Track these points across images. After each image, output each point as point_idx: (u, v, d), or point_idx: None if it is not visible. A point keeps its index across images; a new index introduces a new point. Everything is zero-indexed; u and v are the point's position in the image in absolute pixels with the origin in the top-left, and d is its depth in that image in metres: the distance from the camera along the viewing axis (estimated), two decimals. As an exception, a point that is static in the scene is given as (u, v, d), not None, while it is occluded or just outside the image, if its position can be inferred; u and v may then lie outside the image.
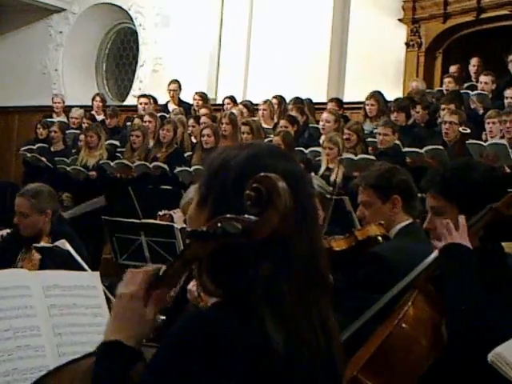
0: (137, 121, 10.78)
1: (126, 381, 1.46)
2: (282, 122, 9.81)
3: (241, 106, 11.24)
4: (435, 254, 2.65)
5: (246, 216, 1.41)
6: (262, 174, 1.42)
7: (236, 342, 1.40)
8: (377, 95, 9.93)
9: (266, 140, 9.60)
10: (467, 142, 7.90)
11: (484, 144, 7.82)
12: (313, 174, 7.98)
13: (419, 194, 3.53)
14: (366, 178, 3.65)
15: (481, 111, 9.29)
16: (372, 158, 8.05)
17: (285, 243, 1.45)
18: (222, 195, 1.51)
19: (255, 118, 10.50)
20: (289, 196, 1.41)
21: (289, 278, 1.45)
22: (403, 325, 2.54)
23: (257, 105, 11.17)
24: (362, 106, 10.12)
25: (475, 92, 9.85)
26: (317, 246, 1.53)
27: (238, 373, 1.39)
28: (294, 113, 10.31)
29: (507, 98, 9.05)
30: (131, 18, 14.60)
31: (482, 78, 10.07)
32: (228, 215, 1.43)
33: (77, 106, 12.62)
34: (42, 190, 4.86)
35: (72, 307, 2.46)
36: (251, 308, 1.42)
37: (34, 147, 10.90)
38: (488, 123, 8.15)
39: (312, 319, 1.47)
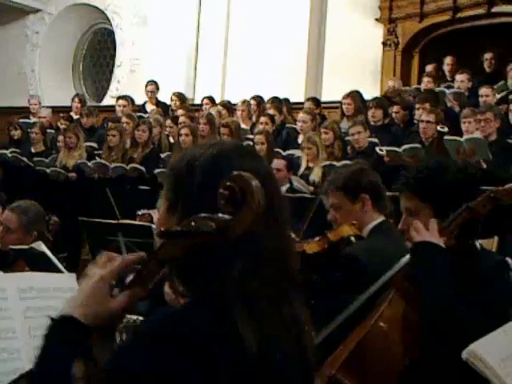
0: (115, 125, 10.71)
1: (71, 354, 1.44)
2: (263, 119, 9.83)
3: (219, 107, 11.24)
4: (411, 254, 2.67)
5: (221, 215, 1.41)
6: (236, 172, 1.42)
7: (208, 339, 1.40)
8: (354, 94, 9.96)
9: (244, 140, 9.65)
10: (444, 138, 7.95)
11: (461, 139, 7.87)
12: (293, 177, 8.03)
13: (393, 193, 3.54)
14: (333, 181, 3.67)
15: (457, 110, 9.34)
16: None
17: (256, 241, 1.45)
18: (190, 198, 1.51)
19: (234, 119, 10.50)
20: (262, 195, 1.41)
21: (260, 275, 1.45)
22: (380, 324, 2.55)
23: (235, 105, 11.16)
24: (339, 105, 10.14)
25: (451, 90, 9.91)
26: (286, 244, 1.54)
27: (212, 371, 1.39)
28: (271, 112, 10.33)
29: (482, 96, 9.11)
30: (108, 19, 14.55)
31: (458, 77, 10.14)
32: (202, 214, 1.42)
33: (54, 107, 12.56)
34: (31, 209, 4.74)
35: (48, 309, 2.44)
36: (223, 306, 1.42)
37: (7, 151, 10.73)
38: (464, 122, 8.20)
39: (283, 316, 1.48)
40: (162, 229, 1.51)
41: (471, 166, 7.36)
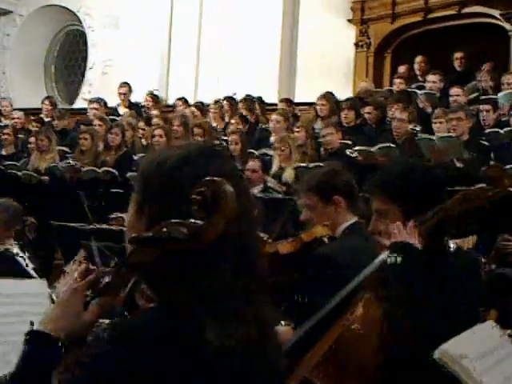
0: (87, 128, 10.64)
1: (45, 367, 1.49)
2: (235, 120, 9.84)
3: (193, 108, 11.22)
4: (384, 254, 2.67)
5: (193, 221, 1.40)
6: (209, 178, 1.41)
7: (171, 339, 1.40)
8: (328, 95, 9.99)
9: (218, 140, 9.66)
10: (417, 137, 7.98)
11: (434, 138, 7.91)
12: (268, 178, 8.04)
13: (364, 195, 3.55)
14: (307, 181, 3.68)
15: (429, 110, 9.39)
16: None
17: (224, 243, 1.45)
18: (157, 201, 1.50)
19: (207, 120, 10.50)
20: (234, 200, 1.41)
21: (226, 277, 1.46)
22: (353, 325, 2.55)
23: (208, 105, 11.15)
24: (312, 105, 10.17)
25: (423, 91, 9.96)
26: (254, 245, 1.54)
27: (174, 371, 1.40)
28: (244, 113, 10.34)
29: (453, 96, 9.17)
30: (80, 20, 14.47)
31: (430, 78, 10.18)
32: (174, 220, 1.41)
33: (25, 109, 12.45)
34: (11, 206, 4.73)
35: (19, 315, 2.42)
36: (188, 307, 1.43)
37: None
38: (435, 122, 8.25)
39: (249, 318, 1.48)
40: (132, 233, 1.51)
41: (447, 166, 7.42)
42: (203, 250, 1.43)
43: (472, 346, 2.23)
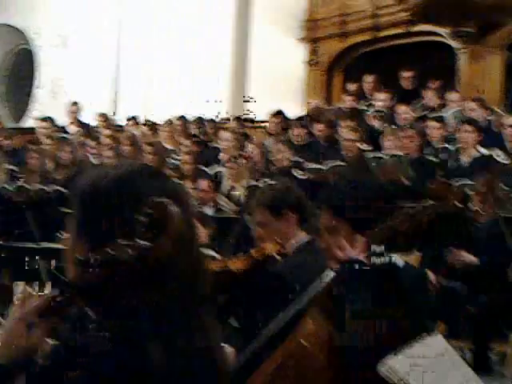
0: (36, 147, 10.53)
1: None
2: (186, 141, 9.84)
3: (143, 127, 11.19)
4: (333, 271, 2.66)
5: (141, 242, 1.40)
6: (155, 199, 1.41)
7: (115, 359, 1.40)
8: (279, 113, 10.06)
9: (168, 160, 9.64)
10: (366, 155, 8.06)
11: (383, 156, 7.99)
12: (218, 194, 8.04)
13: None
14: (260, 198, 3.70)
15: (378, 128, 9.49)
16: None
17: (170, 263, 1.45)
18: (99, 222, 1.48)
19: (157, 139, 10.47)
20: (181, 220, 1.41)
21: (171, 294, 1.46)
22: (303, 342, 2.53)
23: (159, 125, 11.13)
24: (264, 124, 10.20)
25: (373, 109, 10.07)
26: (198, 261, 1.54)
27: None
28: (195, 132, 10.33)
29: (400, 114, 9.28)
30: (29, 40, 14.36)
31: (379, 95, 10.33)
32: (122, 241, 1.41)
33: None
34: None
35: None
36: (133, 326, 1.42)
37: None
38: (385, 140, 8.34)
39: (194, 334, 1.48)
40: (73, 256, 1.50)
41: (394, 183, 7.50)
42: (150, 271, 1.42)
43: (417, 359, 2.23)
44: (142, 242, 1.40)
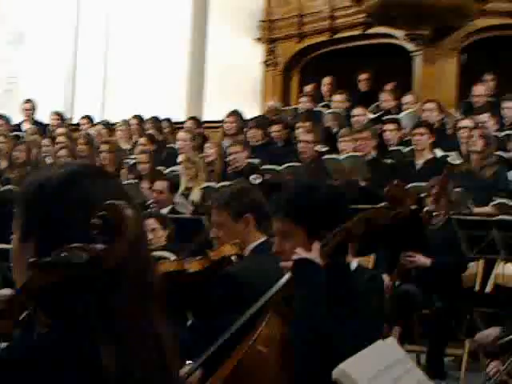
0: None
1: None
2: (142, 140, 9.78)
3: (98, 126, 11.10)
4: (289, 274, 2.66)
5: (95, 245, 1.37)
6: (109, 202, 1.38)
7: (63, 365, 1.37)
8: (235, 113, 10.05)
9: (126, 160, 9.59)
10: (323, 157, 8.08)
11: (340, 158, 8.03)
12: (176, 195, 7.99)
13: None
14: (218, 198, 3.69)
15: (335, 129, 9.54)
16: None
17: (124, 266, 1.42)
18: (47, 225, 1.46)
19: (113, 138, 10.41)
20: (136, 223, 1.39)
21: (123, 299, 1.43)
22: (258, 346, 2.53)
23: (115, 124, 11.07)
24: (220, 124, 10.19)
25: (329, 110, 10.12)
26: (148, 263, 1.51)
27: None
28: (152, 132, 10.29)
29: (355, 116, 9.35)
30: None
31: (336, 97, 10.39)
32: (75, 244, 1.37)
33: None
34: None
35: None
36: (84, 331, 1.40)
37: None
38: (341, 141, 8.38)
39: (145, 336, 1.46)
40: (19, 260, 1.46)
41: (351, 185, 7.55)
42: (103, 275, 1.39)
43: (370, 364, 2.23)
44: (96, 245, 1.36)
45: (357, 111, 9.43)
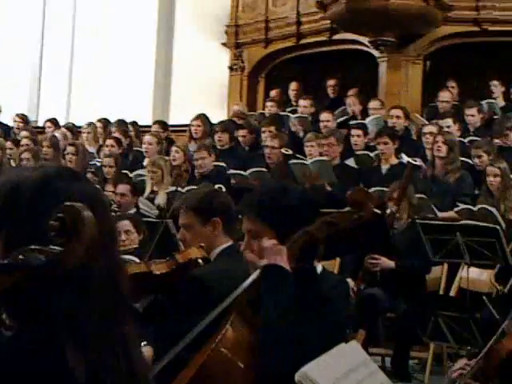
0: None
1: None
2: (108, 142, 9.75)
3: (64, 129, 11.05)
4: (253, 276, 2.67)
5: (51, 247, 1.36)
6: (67, 203, 1.38)
7: (33, 373, 1.36)
8: (202, 117, 10.05)
9: (91, 163, 9.54)
10: (290, 161, 8.11)
11: (306, 162, 8.06)
12: (141, 198, 7.95)
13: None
14: (186, 200, 3.68)
15: (301, 134, 9.58)
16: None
17: (86, 270, 1.42)
18: (16, 224, 1.45)
19: (79, 141, 10.36)
20: (94, 225, 1.38)
21: (90, 303, 1.43)
22: (221, 349, 2.52)
23: (80, 127, 11.00)
24: (187, 128, 10.18)
25: (295, 115, 10.16)
26: (117, 269, 1.52)
27: None
28: (118, 135, 10.25)
29: (323, 121, 9.40)
30: None
31: (302, 102, 10.45)
32: (32, 246, 1.37)
33: None
34: None
35: None
36: (51, 336, 1.39)
37: None
38: (307, 146, 8.43)
39: (114, 344, 1.46)
40: None
41: (316, 189, 7.59)
42: (66, 277, 1.39)
43: (333, 367, 2.23)
44: (52, 247, 1.36)
45: (324, 116, 9.48)
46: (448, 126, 8.55)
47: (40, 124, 12.26)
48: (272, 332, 2.50)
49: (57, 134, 10.65)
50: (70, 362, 1.37)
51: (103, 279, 1.45)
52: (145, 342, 3.24)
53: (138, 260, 4.58)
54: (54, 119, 11.56)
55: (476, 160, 7.77)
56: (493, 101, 9.75)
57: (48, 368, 1.37)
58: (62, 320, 1.39)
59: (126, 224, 5.79)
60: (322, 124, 9.40)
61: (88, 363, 1.39)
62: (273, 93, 11.60)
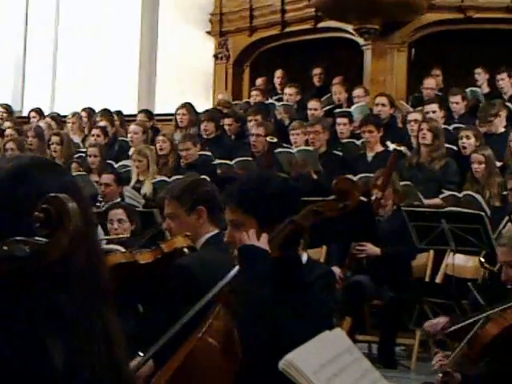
0: None
1: None
2: (94, 132, 9.75)
3: (48, 119, 11.02)
4: (238, 266, 2.68)
5: (36, 238, 1.35)
6: (52, 194, 1.37)
7: (12, 360, 1.36)
8: (188, 106, 10.05)
9: (76, 153, 9.51)
10: (276, 150, 8.11)
11: (292, 151, 8.08)
12: (126, 187, 7.95)
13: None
14: (171, 190, 3.70)
15: (287, 122, 9.59)
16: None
17: (67, 260, 1.41)
18: None
19: (64, 131, 10.34)
20: (79, 216, 1.37)
21: (70, 294, 1.43)
22: (207, 338, 2.54)
23: (65, 117, 10.98)
24: (172, 117, 10.18)
25: (281, 103, 10.18)
26: (97, 257, 1.51)
27: None
28: (103, 124, 10.24)
29: (311, 109, 9.43)
30: None
31: (287, 90, 10.49)
32: (17, 237, 1.36)
33: None
34: None
35: None
36: (31, 326, 1.38)
37: None
38: (293, 134, 8.44)
39: (94, 332, 1.46)
40: None
41: (302, 178, 7.61)
42: (48, 268, 1.38)
43: (317, 354, 2.24)
44: (38, 239, 1.35)
45: (312, 104, 9.51)
46: (434, 111, 8.56)
47: (24, 114, 12.23)
48: (249, 311, 2.53)
49: (41, 123, 10.64)
50: (50, 351, 1.37)
51: (84, 270, 1.45)
52: (141, 354, 3.26)
53: (122, 249, 4.59)
54: (39, 109, 11.55)
55: (464, 140, 7.74)
56: (476, 89, 9.80)
57: (27, 357, 1.37)
58: (42, 310, 1.39)
59: (119, 213, 5.83)
60: (309, 112, 9.43)
61: (68, 353, 1.39)
62: (258, 81, 11.63)
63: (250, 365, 2.49)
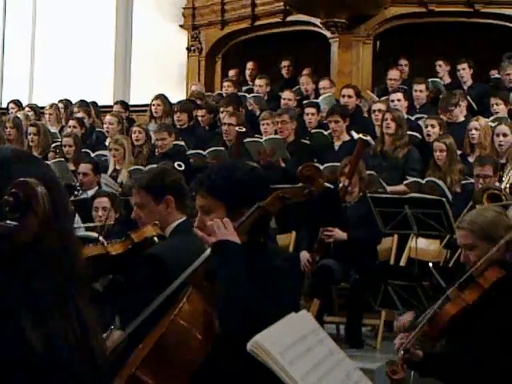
0: None
1: None
2: (71, 123, 9.87)
3: (26, 110, 11.12)
4: (208, 251, 2.75)
5: (7, 222, 1.39)
6: (21, 179, 1.40)
7: None
8: (162, 97, 10.15)
9: (53, 144, 9.64)
10: (245, 140, 8.27)
11: (261, 140, 8.26)
12: (103, 174, 8.06)
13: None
14: (139, 180, 3.74)
15: (257, 112, 9.77)
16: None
17: (40, 245, 1.43)
18: None
19: (42, 122, 10.44)
20: (48, 200, 1.41)
21: (45, 277, 1.44)
22: (179, 320, 2.59)
23: (43, 108, 11.08)
24: (147, 108, 10.32)
25: (252, 94, 10.37)
26: (71, 244, 1.53)
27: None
28: (81, 115, 10.37)
29: (284, 99, 9.60)
30: None
31: (257, 82, 10.64)
32: None
33: None
34: None
35: None
36: (7, 309, 1.40)
37: None
38: (263, 124, 8.59)
39: (69, 316, 1.48)
40: None
41: (271, 166, 7.80)
42: (20, 252, 1.40)
43: (284, 335, 2.25)
44: (7, 222, 1.38)
45: (286, 95, 9.63)
46: (399, 100, 8.68)
47: (4, 105, 12.27)
48: (228, 300, 2.60)
49: (19, 114, 10.68)
50: (27, 333, 1.38)
51: (56, 256, 1.46)
52: (112, 327, 3.32)
53: (96, 235, 4.67)
54: (18, 100, 11.61)
55: (429, 129, 7.88)
56: (438, 79, 9.97)
57: (6, 339, 1.38)
58: (17, 293, 1.40)
59: (104, 201, 5.98)
60: (283, 102, 9.54)
61: (45, 334, 1.40)
62: (230, 73, 11.73)
63: (222, 346, 2.58)
